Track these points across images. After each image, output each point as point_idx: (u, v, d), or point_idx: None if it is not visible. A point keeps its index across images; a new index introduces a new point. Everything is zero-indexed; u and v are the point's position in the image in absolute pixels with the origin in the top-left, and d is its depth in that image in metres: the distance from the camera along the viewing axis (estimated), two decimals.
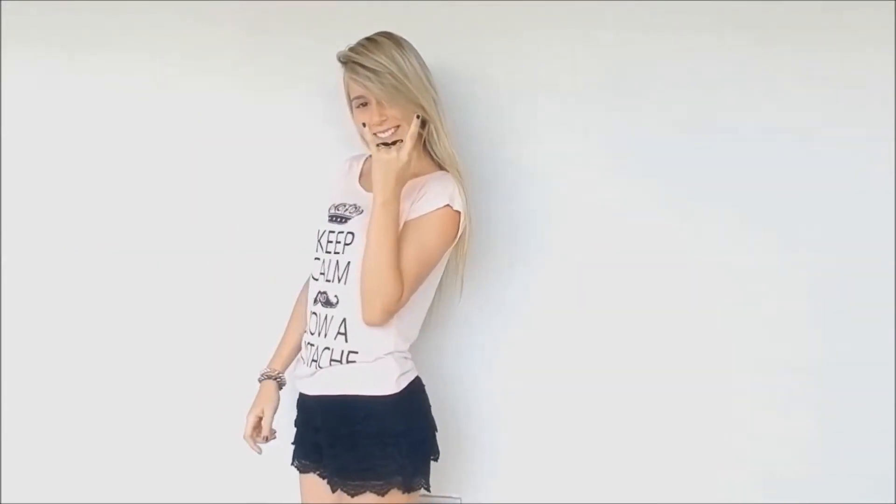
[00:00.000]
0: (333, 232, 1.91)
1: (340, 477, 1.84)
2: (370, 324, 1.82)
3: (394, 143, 1.84)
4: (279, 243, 2.22)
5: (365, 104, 1.89)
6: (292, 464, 2.00)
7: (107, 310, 2.24)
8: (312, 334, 1.91)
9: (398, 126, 1.87)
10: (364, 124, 1.89)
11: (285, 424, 2.00)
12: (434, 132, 1.92)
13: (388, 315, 1.81)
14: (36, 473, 2.25)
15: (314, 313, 1.91)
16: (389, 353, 1.87)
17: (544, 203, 2.22)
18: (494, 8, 2.20)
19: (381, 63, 1.84)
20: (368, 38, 1.89)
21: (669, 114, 2.20)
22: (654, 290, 2.21)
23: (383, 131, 1.88)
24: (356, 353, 1.86)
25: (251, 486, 2.23)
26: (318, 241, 1.93)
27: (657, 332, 2.22)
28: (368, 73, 1.84)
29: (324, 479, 1.92)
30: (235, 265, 2.23)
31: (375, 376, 1.86)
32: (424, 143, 1.93)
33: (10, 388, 2.24)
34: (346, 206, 1.94)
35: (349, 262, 1.86)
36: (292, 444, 2.01)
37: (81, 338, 2.24)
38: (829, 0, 2.15)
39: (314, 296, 1.92)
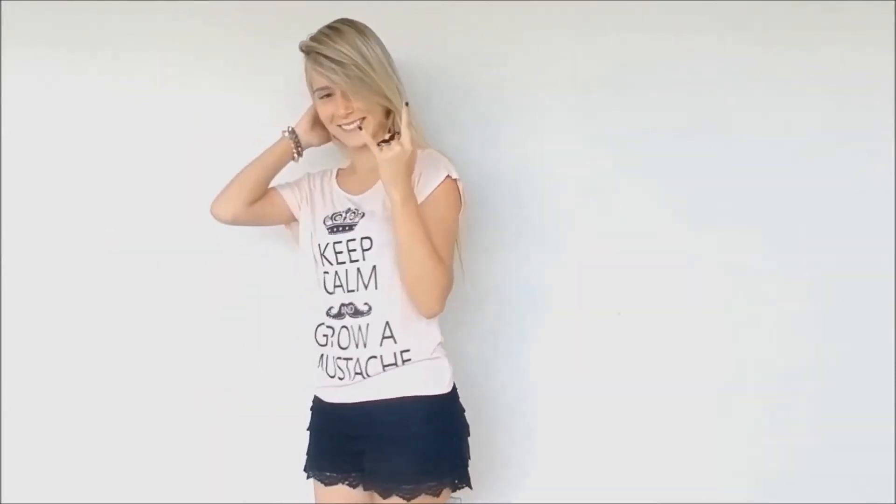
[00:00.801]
0: (340, 242, 1.86)
1: (395, 482, 1.79)
2: (431, 315, 1.81)
3: (391, 137, 1.80)
4: (279, 244, 2.21)
5: (329, 95, 1.86)
6: (310, 477, 1.94)
7: (107, 310, 2.24)
8: (345, 349, 1.85)
9: (363, 118, 1.85)
10: (338, 137, 1.88)
11: (299, 432, 1.98)
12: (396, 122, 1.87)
13: (444, 298, 1.80)
14: (36, 473, 2.24)
15: (344, 327, 1.85)
16: (440, 344, 1.86)
17: (544, 203, 2.22)
18: (495, 8, 2.19)
19: (345, 54, 1.80)
20: (330, 27, 1.85)
21: (669, 113, 2.20)
22: (654, 290, 2.21)
23: (349, 123, 1.86)
24: (409, 350, 1.83)
25: (252, 486, 2.23)
26: (323, 255, 1.88)
27: (657, 332, 2.22)
28: (333, 66, 1.81)
29: (354, 487, 1.88)
30: (235, 265, 2.23)
31: (433, 375, 1.84)
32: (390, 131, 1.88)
33: (10, 388, 2.24)
34: (342, 214, 1.90)
35: (374, 266, 1.83)
36: (308, 455, 1.96)
37: (82, 338, 2.24)
38: (829, 0, 2.15)
39: (334, 311, 1.86)
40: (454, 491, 1.85)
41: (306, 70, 1.90)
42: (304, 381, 1.99)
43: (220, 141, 2.23)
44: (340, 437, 1.88)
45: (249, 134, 2.22)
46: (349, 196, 1.94)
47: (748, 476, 2.22)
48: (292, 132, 1.99)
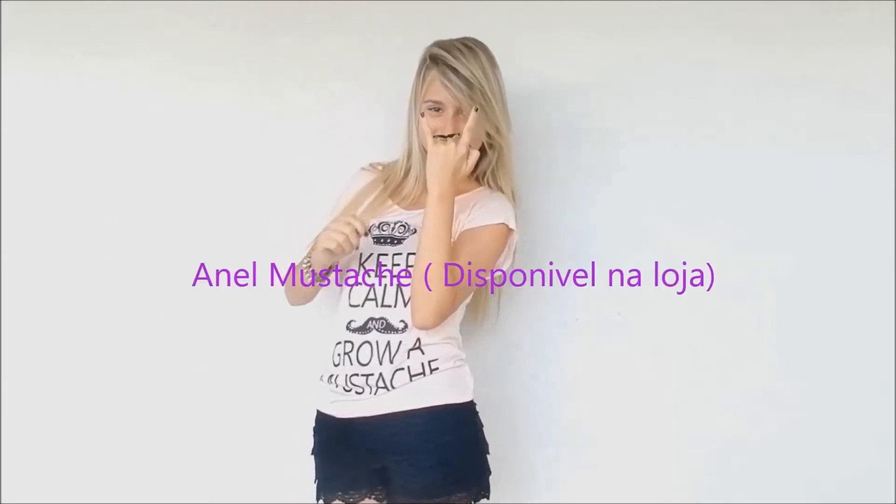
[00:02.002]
0: (386, 255, 1.81)
1: (427, 495, 1.75)
2: (422, 326, 1.74)
3: (451, 135, 1.75)
4: (283, 246, 2.20)
5: (438, 109, 1.80)
6: (331, 501, 1.85)
7: (107, 310, 2.23)
8: (364, 364, 1.78)
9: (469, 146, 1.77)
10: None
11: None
12: (499, 159, 1.87)
13: (440, 318, 1.73)
14: (36, 473, 2.24)
15: (367, 342, 1.79)
16: (462, 360, 1.85)
17: (546, 203, 2.21)
18: (495, 8, 2.19)
19: (475, 76, 1.77)
20: (464, 44, 1.81)
21: (669, 114, 2.20)
22: (654, 291, 2.21)
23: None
24: (436, 360, 1.79)
25: (253, 487, 2.23)
26: (362, 264, 1.82)
27: (657, 332, 2.22)
28: (461, 84, 1.76)
29: (381, 501, 1.83)
30: (235, 266, 2.22)
31: (457, 383, 1.81)
32: (476, 167, 1.86)
33: (10, 388, 2.23)
34: (391, 225, 1.86)
35: None
36: (318, 479, 1.89)
37: (82, 339, 2.23)
38: (830, 0, 2.16)
39: (356, 325, 1.80)
40: (477, 502, 1.81)
41: (421, 75, 1.83)
42: (307, 382, 1.98)
43: (221, 140, 2.23)
44: (361, 453, 1.81)
45: (251, 133, 2.23)
46: (401, 209, 1.88)
47: (748, 476, 2.22)
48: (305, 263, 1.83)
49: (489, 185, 1.92)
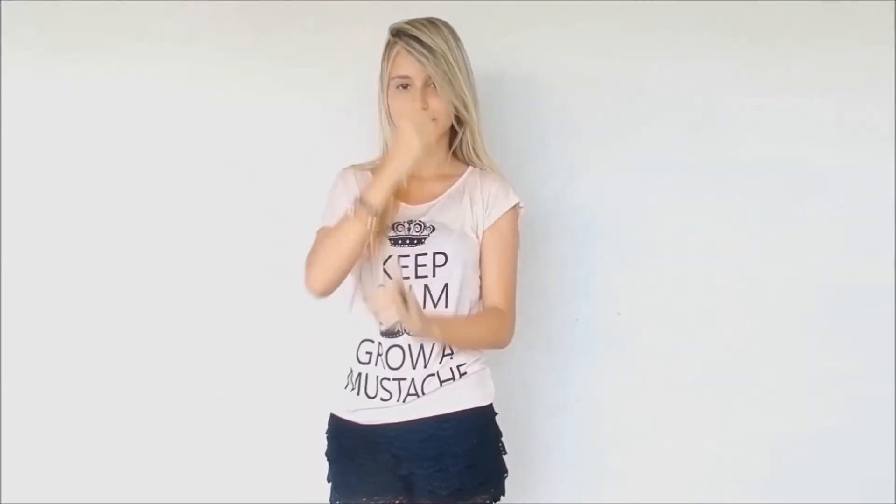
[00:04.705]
0: (408, 256, 1.76)
1: (454, 499, 1.75)
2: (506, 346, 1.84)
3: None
4: (282, 244, 2.20)
5: (406, 86, 1.77)
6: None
7: (108, 311, 2.23)
8: (395, 368, 1.76)
9: (435, 119, 1.76)
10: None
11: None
12: (471, 134, 1.84)
13: (513, 333, 1.83)
14: (36, 473, 2.24)
15: (397, 346, 1.76)
16: (484, 362, 1.84)
17: (546, 202, 2.21)
18: (494, 7, 2.19)
19: (438, 44, 1.75)
20: (426, 18, 1.78)
21: (669, 113, 2.20)
22: (654, 291, 2.21)
23: None
24: (465, 364, 1.78)
25: (253, 487, 2.23)
26: (384, 267, 1.77)
27: (657, 332, 2.22)
28: (425, 52, 1.74)
29: None
30: (237, 266, 2.22)
31: (482, 386, 1.82)
32: (450, 146, 1.86)
33: (11, 388, 2.23)
34: (405, 225, 1.79)
35: (446, 284, 1.76)
36: (338, 485, 1.84)
37: (82, 338, 2.23)
38: (830, 0, 2.16)
39: (387, 327, 1.75)
40: (496, 501, 1.81)
41: (386, 55, 1.80)
42: (313, 382, 1.98)
43: (222, 140, 2.23)
44: (386, 459, 1.79)
45: (251, 133, 2.23)
46: (408, 206, 1.82)
47: (748, 476, 2.22)
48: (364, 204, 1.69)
49: (471, 163, 1.88)
